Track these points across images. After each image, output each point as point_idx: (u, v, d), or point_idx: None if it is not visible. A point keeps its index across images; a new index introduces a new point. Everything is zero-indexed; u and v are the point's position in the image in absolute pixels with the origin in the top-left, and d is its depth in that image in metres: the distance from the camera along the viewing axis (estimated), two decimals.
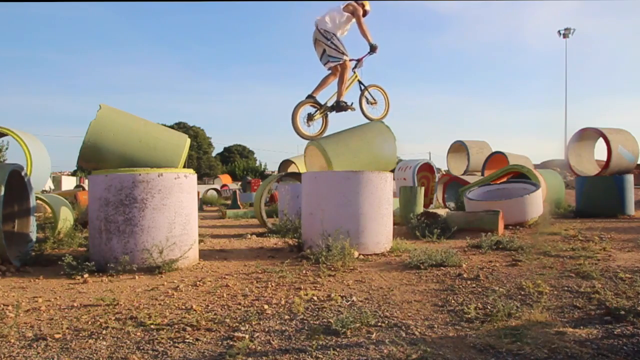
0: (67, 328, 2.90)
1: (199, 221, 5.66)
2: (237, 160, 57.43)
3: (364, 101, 6.85)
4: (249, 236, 7.83)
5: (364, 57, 6.73)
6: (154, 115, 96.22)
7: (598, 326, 2.79)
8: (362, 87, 6.84)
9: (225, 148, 64.63)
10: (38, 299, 3.67)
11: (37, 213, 7.81)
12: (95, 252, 4.83)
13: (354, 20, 6.60)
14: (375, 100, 6.95)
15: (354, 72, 6.77)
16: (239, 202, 17.05)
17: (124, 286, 4.07)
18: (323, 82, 6.73)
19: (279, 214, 9.20)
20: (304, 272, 4.54)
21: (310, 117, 6.72)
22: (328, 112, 6.77)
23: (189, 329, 2.84)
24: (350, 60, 6.66)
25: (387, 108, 6.97)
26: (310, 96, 6.70)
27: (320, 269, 4.56)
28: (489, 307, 3.19)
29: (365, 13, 6.61)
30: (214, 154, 61.70)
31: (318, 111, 6.69)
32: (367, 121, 7.14)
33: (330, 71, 6.69)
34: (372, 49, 6.63)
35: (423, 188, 9.48)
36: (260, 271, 4.63)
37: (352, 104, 6.81)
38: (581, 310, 3.13)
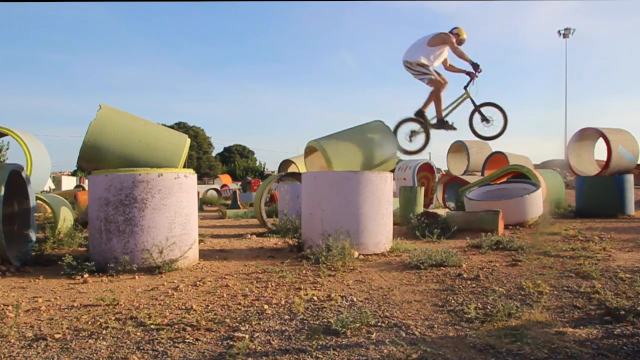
0: (67, 328, 2.90)
1: (199, 221, 5.66)
2: (237, 160, 57.52)
3: (474, 119, 6.79)
4: (249, 236, 7.83)
5: (474, 76, 6.73)
6: (154, 115, 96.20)
7: (598, 326, 2.80)
8: (474, 106, 6.80)
9: (225, 148, 64.68)
10: (38, 299, 3.67)
11: (37, 213, 7.81)
12: (95, 252, 4.83)
13: (447, 48, 6.69)
14: (489, 118, 6.78)
15: (466, 90, 6.80)
16: (239, 202, 17.06)
17: (124, 286, 4.08)
18: (429, 98, 6.86)
19: (279, 214, 9.21)
20: (304, 272, 4.54)
21: (413, 133, 6.82)
22: (430, 130, 6.77)
23: (189, 329, 2.85)
24: (465, 72, 6.82)
25: (504, 127, 6.68)
26: (417, 112, 6.82)
27: (320, 269, 4.56)
28: (489, 307, 3.19)
29: (460, 42, 6.75)
30: (213, 154, 61.73)
31: (421, 127, 6.75)
32: (366, 122, 7.13)
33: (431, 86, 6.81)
34: (475, 67, 6.67)
35: (423, 188, 9.48)
36: (260, 271, 4.63)
37: (452, 123, 6.82)
38: (581, 310, 3.13)
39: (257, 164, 56.07)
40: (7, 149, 26.63)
